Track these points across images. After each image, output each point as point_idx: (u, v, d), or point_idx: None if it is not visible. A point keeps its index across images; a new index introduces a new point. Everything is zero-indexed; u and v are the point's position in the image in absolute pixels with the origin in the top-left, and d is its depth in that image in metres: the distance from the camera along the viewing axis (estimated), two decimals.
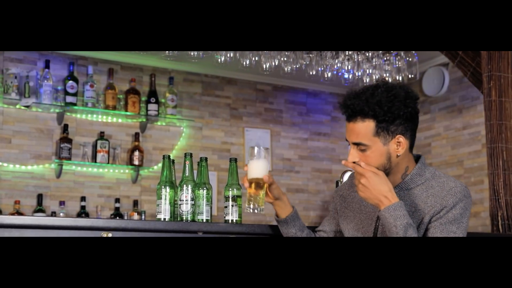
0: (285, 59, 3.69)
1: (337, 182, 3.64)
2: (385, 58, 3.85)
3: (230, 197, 2.21)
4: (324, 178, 5.38)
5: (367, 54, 3.84)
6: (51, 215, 4.23)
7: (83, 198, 4.38)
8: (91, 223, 1.89)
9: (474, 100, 4.51)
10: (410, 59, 3.85)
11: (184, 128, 4.88)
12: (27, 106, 4.29)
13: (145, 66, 4.80)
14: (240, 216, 2.23)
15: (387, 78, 3.89)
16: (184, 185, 2.18)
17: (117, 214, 4.44)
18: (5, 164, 4.25)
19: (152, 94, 4.69)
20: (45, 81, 4.31)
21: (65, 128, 4.38)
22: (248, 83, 5.19)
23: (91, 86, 4.45)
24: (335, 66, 3.85)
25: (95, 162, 4.44)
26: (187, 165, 2.22)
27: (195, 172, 2.26)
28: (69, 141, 4.37)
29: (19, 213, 4.10)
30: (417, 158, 1.95)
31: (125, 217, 4.41)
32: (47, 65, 4.36)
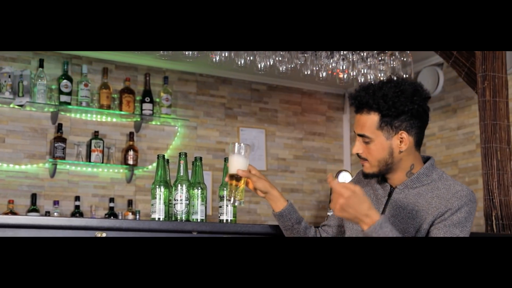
0: (280, 58, 3.69)
1: None
2: (380, 58, 3.85)
3: (225, 197, 2.20)
4: (319, 178, 5.38)
5: (362, 54, 3.84)
6: (45, 215, 4.21)
7: (77, 198, 4.37)
8: (85, 222, 1.89)
9: (469, 100, 4.52)
10: (404, 59, 3.86)
11: (178, 128, 4.87)
12: (21, 105, 4.27)
13: (140, 66, 4.79)
14: (234, 216, 2.23)
15: (382, 78, 3.90)
16: (179, 185, 2.18)
17: (112, 213, 4.43)
18: None
19: (147, 93, 4.68)
20: (39, 80, 4.29)
21: (59, 127, 4.36)
22: (243, 83, 5.19)
23: (86, 85, 4.44)
24: (330, 66, 3.85)
25: (90, 161, 4.43)
26: (181, 165, 2.22)
27: (189, 171, 2.25)
28: (63, 140, 4.36)
29: (13, 212, 4.09)
30: (426, 159, 1.95)
31: (120, 217, 4.40)
32: (41, 64, 4.34)
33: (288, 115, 5.35)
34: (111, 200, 4.47)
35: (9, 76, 4.23)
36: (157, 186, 2.18)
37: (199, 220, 2.18)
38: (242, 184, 2.01)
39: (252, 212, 5.04)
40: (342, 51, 3.79)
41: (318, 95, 5.49)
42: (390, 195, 1.94)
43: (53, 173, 4.36)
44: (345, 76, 3.93)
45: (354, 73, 3.91)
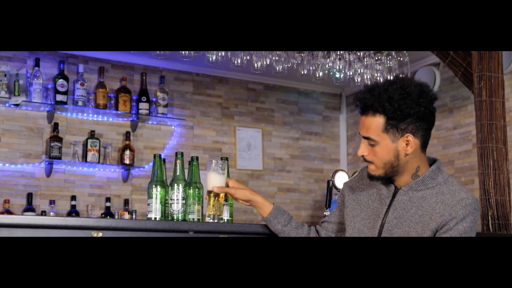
0: (277, 58, 3.69)
1: (328, 182, 3.64)
2: (376, 58, 3.85)
3: (221, 197, 2.20)
4: (316, 177, 5.38)
5: (359, 54, 3.84)
6: (41, 214, 4.21)
7: (73, 197, 4.36)
8: (81, 222, 1.88)
9: (465, 100, 4.53)
10: (401, 59, 3.86)
11: (175, 127, 4.86)
12: (17, 105, 4.26)
13: (136, 65, 4.79)
14: (231, 215, 2.23)
15: (378, 78, 3.90)
16: (175, 185, 2.18)
17: (108, 213, 4.43)
18: None
19: (143, 93, 4.68)
20: (35, 79, 4.28)
21: (55, 126, 4.35)
22: (240, 82, 5.18)
23: (82, 84, 4.43)
24: (327, 66, 3.85)
25: (86, 161, 4.42)
26: (178, 165, 2.21)
27: (186, 171, 2.25)
28: (60, 140, 4.35)
29: (8, 212, 4.08)
30: (432, 162, 1.94)
31: (116, 216, 4.39)
32: (37, 63, 4.33)
33: (284, 114, 5.35)
34: (107, 199, 4.46)
35: (5, 75, 4.22)
36: (154, 186, 2.18)
37: (195, 220, 2.17)
38: (220, 199, 2.09)
39: (249, 211, 5.03)
40: (338, 51, 3.79)
41: (314, 94, 5.49)
42: (394, 196, 1.92)
43: (49, 173, 4.35)
44: (342, 76, 3.93)
45: (351, 73, 3.91)
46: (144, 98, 4.65)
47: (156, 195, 2.17)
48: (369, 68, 3.89)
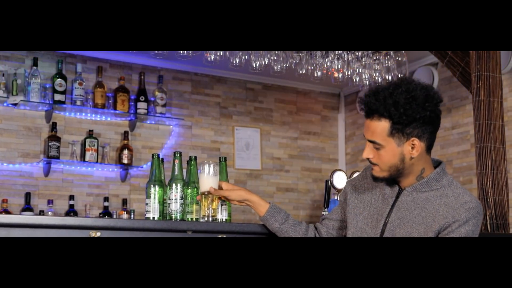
0: (275, 58, 3.69)
1: (326, 181, 3.65)
2: (375, 58, 3.85)
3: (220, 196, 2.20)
4: (314, 177, 5.38)
5: (357, 54, 3.84)
6: (39, 214, 4.20)
7: (71, 197, 4.36)
8: (80, 222, 1.88)
9: (463, 100, 4.53)
10: (399, 59, 3.86)
11: (173, 127, 4.86)
12: (15, 104, 4.26)
13: (134, 65, 4.78)
14: (229, 215, 2.23)
15: (376, 78, 3.90)
16: (174, 184, 2.18)
17: (106, 213, 4.42)
18: None
19: (142, 92, 4.67)
20: (33, 78, 4.28)
21: (54, 126, 4.35)
22: (238, 82, 5.18)
23: (80, 84, 4.42)
24: (325, 65, 3.85)
25: (84, 160, 4.41)
26: (176, 164, 2.21)
27: (184, 171, 2.25)
28: (58, 139, 4.34)
29: (6, 211, 4.07)
30: (437, 164, 1.93)
31: (114, 216, 4.39)
32: (35, 63, 4.33)
33: (283, 114, 5.35)
34: (106, 199, 4.46)
35: (3, 75, 4.21)
36: (152, 185, 2.18)
37: (193, 220, 2.17)
38: (214, 201, 2.12)
39: (247, 211, 5.03)
40: (337, 51, 3.79)
41: (313, 94, 5.49)
42: (397, 196, 1.92)
43: (47, 172, 4.34)
44: (340, 75, 3.93)
45: (349, 73, 3.91)
46: (142, 98, 4.65)
47: (155, 194, 2.17)
48: (367, 68, 3.89)
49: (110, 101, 4.57)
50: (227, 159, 2.30)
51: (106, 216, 4.35)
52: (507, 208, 3.06)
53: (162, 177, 2.23)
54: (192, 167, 2.23)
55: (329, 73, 3.90)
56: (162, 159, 2.28)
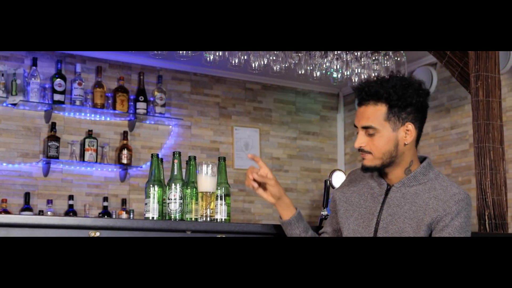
0: (274, 58, 3.69)
1: (325, 182, 3.65)
2: (373, 58, 3.86)
3: (219, 196, 2.21)
4: (313, 177, 5.39)
5: (356, 54, 3.85)
6: (39, 214, 4.20)
7: (71, 197, 4.36)
8: (79, 221, 1.88)
9: (462, 100, 4.54)
10: (398, 59, 3.87)
11: (172, 127, 4.87)
12: (15, 104, 4.26)
13: (134, 65, 4.78)
14: (228, 215, 2.23)
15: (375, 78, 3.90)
16: (173, 184, 2.18)
17: (105, 213, 4.43)
18: None
19: (141, 92, 4.68)
20: (33, 78, 4.28)
21: (53, 126, 4.35)
22: (237, 82, 5.19)
23: (79, 84, 4.43)
24: (324, 66, 3.85)
25: (83, 160, 4.42)
26: (175, 164, 2.22)
27: (183, 171, 2.25)
28: (57, 139, 4.35)
29: (6, 211, 4.07)
30: (422, 159, 1.96)
31: (113, 216, 4.39)
32: (34, 63, 4.33)
33: (282, 114, 5.36)
34: (105, 199, 4.47)
35: (2, 75, 4.21)
36: (151, 185, 2.18)
37: (193, 219, 2.18)
38: (213, 201, 2.14)
39: (246, 211, 5.04)
40: (336, 51, 3.79)
41: (312, 94, 5.50)
42: (387, 193, 1.93)
43: (46, 172, 4.35)
44: (339, 75, 3.93)
45: (348, 73, 3.91)
46: (141, 98, 4.65)
47: (154, 194, 2.17)
48: (366, 68, 3.90)
49: (110, 101, 4.58)
50: (226, 159, 2.30)
51: (106, 216, 4.35)
52: (505, 208, 3.06)
53: (162, 177, 2.23)
54: (191, 167, 2.24)
55: (328, 73, 3.90)
56: (162, 159, 2.28)
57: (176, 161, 2.22)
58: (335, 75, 3.95)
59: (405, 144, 1.88)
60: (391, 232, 1.86)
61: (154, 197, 2.17)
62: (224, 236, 2.06)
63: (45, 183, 4.36)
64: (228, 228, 2.12)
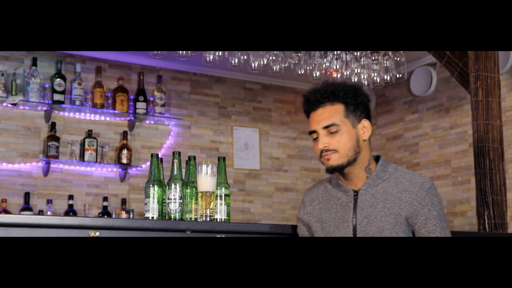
0: (274, 58, 3.69)
1: None
2: (373, 58, 3.86)
3: (218, 196, 2.21)
4: (313, 177, 5.39)
5: (356, 54, 3.85)
6: (38, 214, 4.21)
7: (70, 197, 4.36)
8: (79, 221, 1.89)
9: (461, 100, 4.54)
10: (398, 59, 3.87)
11: (172, 127, 4.87)
12: (14, 104, 4.26)
13: (134, 65, 4.79)
14: (228, 214, 2.23)
15: (375, 78, 3.91)
16: (173, 184, 2.18)
17: (105, 212, 4.43)
18: None
19: (141, 92, 4.68)
20: (33, 78, 4.28)
21: (53, 126, 4.35)
22: (237, 82, 5.19)
23: (79, 84, 4.43)
24: (324, 66, 3.85)
25: (83, 160, 4.42)
26: (175, 164, 2.22)
27: (183, 171, 2.26)
28: (57, 139, 4.35)
29: (6, 211, 4.08)
30: (376, 158, 2.01)
31: (113, 216, 4.39)
32: (34, 63, 4.33)
33: (281, 114, 5.36)
34: (105, 199, 4.47)
35: (2, 75, 4.21)
36: (151, 185, 2.18)
37: (192, 219, 2.18)
38: (212, 201, 2.15)
39: (246, 211, 5.04)
40: (335, 51, 3.79)
41: None
42: (355, 198, 1.94)
43: (46, 172, 4.35)
44: (339, 75, 3.93)
45: (348, 73, 3.91)
46: (141, 98, 4.65)
47: (154, 194, 2.17)
48: (366, 68, 3.90)
49: (109, 101, 4.58)
50: (226, 159, 2.30)
51: (105, 216, 4.36)
52: (505, 208, 3.07)
53: (161, 177, 2.23)
54: (191, 167, 2.24)
55: (328, 73, 3.90)
56: (161, 159, 2.28)
57: (176, 161, 2.22)
58: (334, 75, 3.95)
59: (364, 140, 1.95)
60: (371, 233, 1.87)
61: (154, 197, 2.17)
62: (223, 236, 2.07)
63: (45, 183, 4.37)
64: (227, 228, 2.12)
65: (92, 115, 4.56)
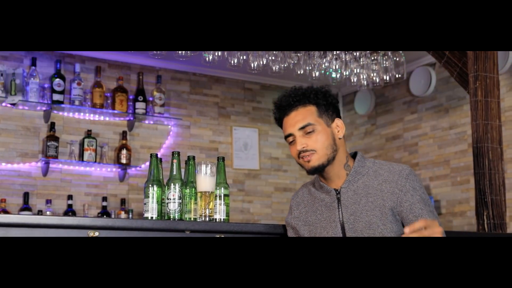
0: (273, 58, 3.69)
1: None
2: (372, 58, 3.86)
3: (218, 196, 2.21)
4: (311, 177, 5.38)
5: (355, 54, 3.85)
6: (38, 214, 4.20)
7: (70, 197, 4.36)
8: (78, 221, 1.88)
9: (461, 100, 4.54)
10: (397, 59, 3.87)
11: (171, 127, 4.87)
12: (14, 104, 4.26)
13: (133, 65, 4.79)
14: (227, 214, 2.23)
15: (374, 78, 3.91)
16: (172, 184, 2.18)
17: (105, 212, 4.43)
18: None
19: (140, 92, 4.68)
20: (32, 78, 4.28)
21: (52, 126, 4.35)
22: (236, 82, 5.19)
23: (78, 84, 4.43)
24: (323, 66, 3.86)
25: (82, 160, 4.42)
26: (174, 164, 2.22)
27: (182, 170, 2.26)
28: (56, 139, 4.35)
29: (5, 211, 4.07)
30: (354, 155, 2.02)
31: (113, 216, 4.39)
32: (33, 63, 4.33)
33: None
34: (104, 199, 4.47)
35: (1, 75, 4.21)
36: (150, 185, 2.18)
37: (192, 219, 2.18)
38: (212, 201, 2.16)
39: (245, 211, 5.04)
40: (335, 51, 3.80)
41: None
42: (338, 197, 1.95)
43: (45, 172, 4.35)
44: (338, 76, 3.94)
45: (347, 73, 3.92)
46: (140, 98, 4.65)
47: (153, 194, 2.17)
48: (365, 68, 3.90)
49: (109, 101, 4.58)
50: (225, 159, 2.31)
51: (105, 216, 4.36)
52: (504, 208, 3.07)
53: (161, 177, 2.23)
54: (190, 167, 2.24)
55: (327, 73, 3.91)
56: (161, 159, 2.28)
57: (175, 161, 2.22)
58: (334, 75, 3.95)
59: (339, 138, 1.96)
60: (360, 229, 1.89)
61: (153, 197, 2.17)
62: (223, 236, 2.07)
63: (44, 183, 4.36)
64: (227, 228, 2.12)
65: (92, 115, 4.55)
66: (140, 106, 4.64)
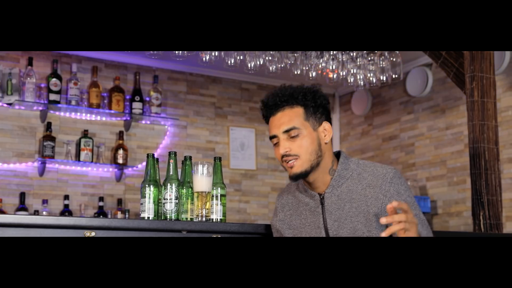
0: (270, 58, 3.69)
1: None
2: (369, 58, 3.87)
3: (214, 196, 2.21)
4: None
5: (352, 54, 3.85)
6: (34, 214, 4.20)
7: (66, 197, 4.36)
8: (74, 221, 1.88)
9: (457, 101, 4.55)
10: (394, 59, 3.87)
11: (168, 127, 4.86)
12: (10, 104, 4.25)
13: (130, 65, 4.78)
14: (224, 215, 2.23)
15: (371, 78, 3.92)
16: (168, 184, 2.18)
17: (101, 212, 4.42)
18: None
19: (137, 92, 4.67)
20: (28, 78, 4.27)
21: (48, 126, 4.35)
22: (233, 82, 5.19)
23: (75, 84, 4.42)
24: (320, 66, 3.86)
25: (79, 160, 4.41)
26: (171, 164, 2.22)
27: (179, 171, 2.25)
28: (53, 139, 4.34)
29: (1, 211, 4.07)
30: (337, 154, 1.96)
31: (109, 216, 4.39)
32: (30, 63, 4.32)
33: None
34: (101, 199, 4.46)
35: None
36: (147, 185, 2.18)
37: (188, 219, 2.18)
38: (208, 201, 2.15)
39: (242, 211, 5.04)
40: (331, 51, 3.80)
41: None
42: (322, 202, 1.91)
43: (42, 172, 4.34)
44: (335, 76, 3.94)
45: (344, 73, 3.92)
46: (137, 98, 4.65)
47: (149, 194, 2.17)
48: (362, 69, 3.90)
49: (105, 101, 4.57)
50: (222, 159, 2.31)
51: (101, 216, 4.35)
52: (500, 208, 3.07)
53: (157, 177, 2.23)
54: (187, 167, 2.24)
55: (324, 73, 3.91)
56: (157, 159, 2.28)
57: (171, 161, 2.22)
58: (330, 75, 3.96)
59: (325, 143, 1.90)
60: (345, 236, 1.84)
61: (149, 197, 2.17)
62: (219, 236, 2.07)
63: (41, 183, 4.36)
64: (223, 228, 2.12)
65: (88, 115, 4.55)
66: (137, 106, 4.63)
